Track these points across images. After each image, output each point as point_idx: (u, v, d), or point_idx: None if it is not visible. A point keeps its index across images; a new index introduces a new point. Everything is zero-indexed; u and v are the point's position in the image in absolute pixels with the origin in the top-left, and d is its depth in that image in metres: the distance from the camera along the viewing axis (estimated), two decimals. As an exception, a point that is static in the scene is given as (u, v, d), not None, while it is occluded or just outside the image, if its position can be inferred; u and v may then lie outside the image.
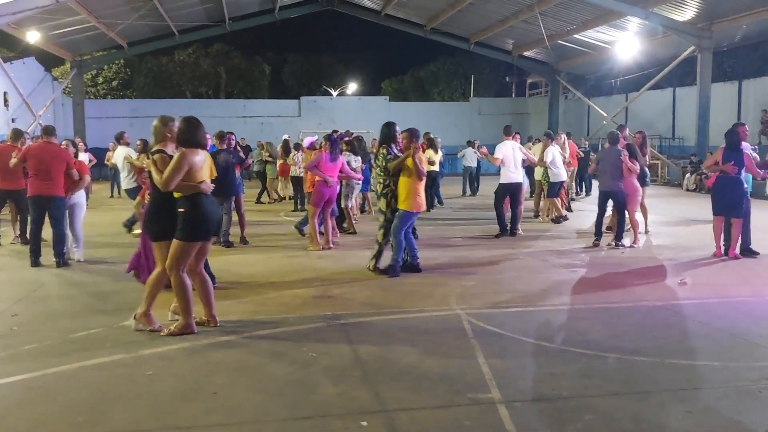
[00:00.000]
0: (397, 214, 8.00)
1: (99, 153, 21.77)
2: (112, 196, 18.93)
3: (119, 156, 11.64)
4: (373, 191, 10.58)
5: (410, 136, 8.00)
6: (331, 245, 10.03)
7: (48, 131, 9.11)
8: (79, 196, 9.18)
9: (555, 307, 6.65)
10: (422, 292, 7.18)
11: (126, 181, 11.75)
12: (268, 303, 6.70)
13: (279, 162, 17.43)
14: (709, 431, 3.81)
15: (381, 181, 8.21)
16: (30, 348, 5.30)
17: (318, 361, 4.94)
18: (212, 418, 3.98)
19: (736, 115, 23.55)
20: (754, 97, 23.23)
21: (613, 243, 10.07)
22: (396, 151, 8.21)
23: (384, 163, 8.09)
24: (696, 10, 20.29)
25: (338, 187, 10.39)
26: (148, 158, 7.74)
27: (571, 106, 33.58)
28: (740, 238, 9.13)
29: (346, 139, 11.38)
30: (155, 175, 5.50)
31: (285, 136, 18.18)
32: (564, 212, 13.39)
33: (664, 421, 3.90)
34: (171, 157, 5.50)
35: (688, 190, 21.05)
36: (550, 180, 12.98)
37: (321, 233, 10.47)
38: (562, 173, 12.93)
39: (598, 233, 10.24)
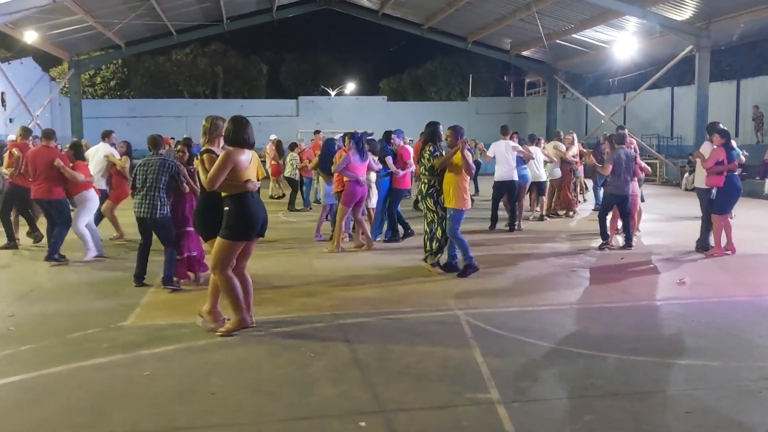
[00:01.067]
0: (447, 216, 7.96)
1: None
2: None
3: (97, 153, 10.72)
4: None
5: (455, 133, 8.01)
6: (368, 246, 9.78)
7: (46, 135, 9.06)
8: (84, 197, 9.06)
9: (554, 307, 6.64)
10: (421, 292, 7.17)
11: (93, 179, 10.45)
12: (266, 303, 6.66)
13: (272, 163, 17.39)
14: (709, 431, 3.81)
15: (426, 180, 8.12)
16: (27, 348, 5.28)
17: (316, 362, 4.92)
18: (211, 419, 3.97)
19: (735, 114, 23.55)
20: (752, 96, 23.22)
21: (625, 246, 9.80)
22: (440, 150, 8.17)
23: (429, 161, 8.00)
24: (694, 9, 20.28)
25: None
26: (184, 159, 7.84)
27: (569, 106, 33.58)
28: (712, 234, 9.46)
29: (367, 138, 11.32)
30: (202, 175, 5.57)
31: (272, 137, 18.13)
32: (544, 212, 13.33)
33: (664, 421, 3.90)
34: (218, 156, 5.52)
35: (686, 189, 21.03)
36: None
37: (350, 235, 10.37)
38: (540, 174, 12.76)
39: (606, 236, 9.93)
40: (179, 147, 8.15)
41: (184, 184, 7.46)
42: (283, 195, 17.68)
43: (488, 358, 4.95)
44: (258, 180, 5.65)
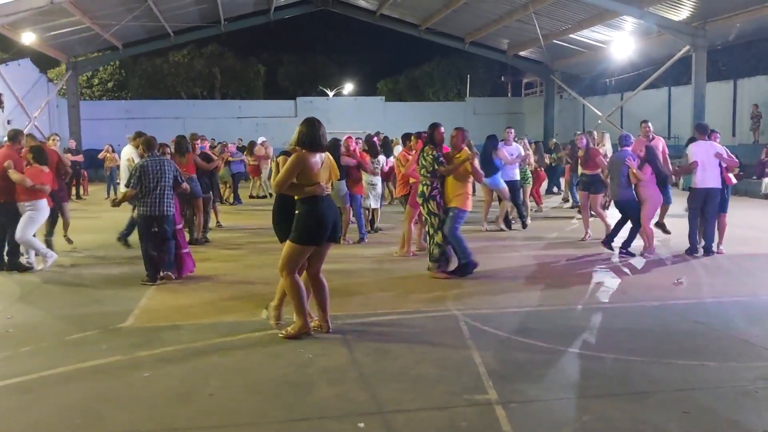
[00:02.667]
0: (450, 215, 7.83)
1: (94, 155, 21.82)
2: (108, 198, 18.84)
3: (125, 156, 10.53)
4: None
5: (462, 135, 8.01)
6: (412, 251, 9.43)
7: (9, 136, 8.71)
8: (34, 205, 8.37)
9: (552, 307, 6.65)
10: (419, 293, 7.17)
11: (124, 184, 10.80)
12: (264, 304, 6.66)
13: (253, 163, 18.06)
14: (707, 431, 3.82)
15: (428, 183, 7.89)
16: (26, 350, 5.29)
17: (314, 363, 4.93)
18: (209, 420, 3.97)
19: (731, 114, 23.58)
20: (749, 96, 23.25)
21: (621, 251, 9.30)
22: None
23: (433, 166, 7.82)
24: (690, 9, 20.31)
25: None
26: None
27: (566, 106, 33.59)
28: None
29: (375, 139, 11.61)
30: (274, 177, 5.60)
31: (261, 139, 18.59)
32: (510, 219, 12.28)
33: (662, 421, 3.91)
34: None
35: (684, 189, 21.04)
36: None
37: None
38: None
39: (610, 244, 9.43)
40: (161, 148, 8.39)
41: (184, 183, 8.02)
42: (267, 195, 18.09)
43: (486, 358, 4.95)
44: (330, 182, 5.57)
